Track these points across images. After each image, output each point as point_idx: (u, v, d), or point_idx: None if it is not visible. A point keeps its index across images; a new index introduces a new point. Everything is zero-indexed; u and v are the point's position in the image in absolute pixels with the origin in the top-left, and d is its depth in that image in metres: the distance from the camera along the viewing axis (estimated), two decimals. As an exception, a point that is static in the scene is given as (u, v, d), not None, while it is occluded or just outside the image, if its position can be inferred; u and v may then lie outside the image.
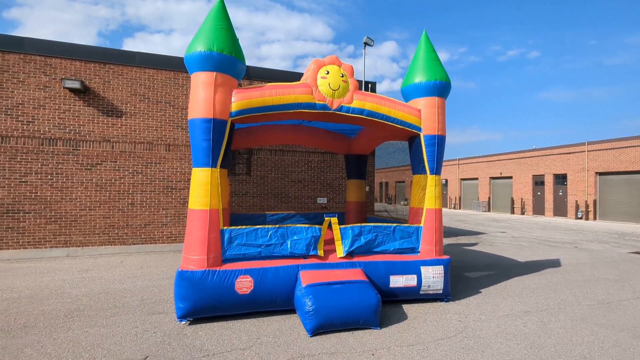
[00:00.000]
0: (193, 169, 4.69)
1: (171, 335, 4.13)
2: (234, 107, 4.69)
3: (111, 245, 9.18)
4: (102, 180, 9.14)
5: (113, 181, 9.23)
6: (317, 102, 5.08)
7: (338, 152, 8.94)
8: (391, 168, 45.09)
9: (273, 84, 4.97)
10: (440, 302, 5.48)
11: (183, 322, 4.48)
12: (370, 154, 11.30)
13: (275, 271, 4.69)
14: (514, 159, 26.73)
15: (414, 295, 5.29)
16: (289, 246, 4.91)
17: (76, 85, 8.73)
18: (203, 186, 4.58)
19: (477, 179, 30.24)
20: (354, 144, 8.35)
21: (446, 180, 34.09)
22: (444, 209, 32.29)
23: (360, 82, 11.32)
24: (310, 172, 10.97)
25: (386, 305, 5.17)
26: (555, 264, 8.60)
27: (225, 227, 4.71)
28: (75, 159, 8.95)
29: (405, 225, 5.51)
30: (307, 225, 5.05)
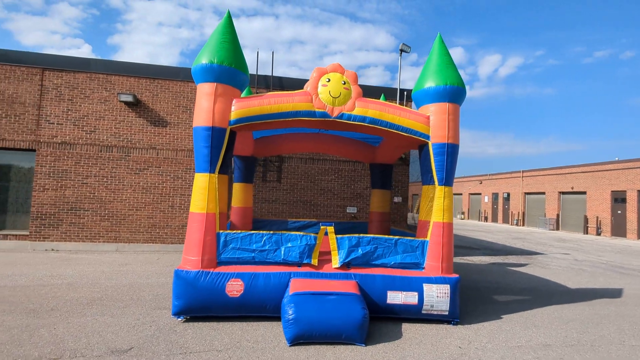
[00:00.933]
0: (195, 174, 4.97)
1: (163, 330, 4.38)
2: (233, 116, 4.90)
3: (153, 243, 10.04)
4: (147, 183, 10.09)
5: (157, 185, 10.14)
6: (316, 110, 5.08)
7: (362, 161, 8.78)
8: (448, 179, 42.95)
9: (273, 92, 5.10)
10: (447, 324, 5.03)
11: (180, 319, 4.73)
12: (405, 163, 10.92)
13: (267, 277, 4.74)
14: (588, 172, 23.63)
15: (415, 315, 4.93)
16: (282, 253, 4.93)
17: (129, 98, 9.81)
18: (202, 191, 4.83)
19: (544, 193, 27.28)
20: (377, 152, 8.14)
21: (508, 194, 31.31)
22: (503, 225, 29.65)
23: (395, 89, 11.04)
24: (340, 181, 10.90)
25: (383, 322, 4.90)
26: (614, 294, 7.39)
27: (221, 231, 4.89)
28: (126, 164, 10.03)
29: (410, 238, 5.20)
30: (302, 233, 5.03)
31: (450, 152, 5.16)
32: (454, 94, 5.16)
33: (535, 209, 28.18)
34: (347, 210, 10.68)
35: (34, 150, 9.77)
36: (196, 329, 4.44)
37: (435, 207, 5.17)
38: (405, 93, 11.10)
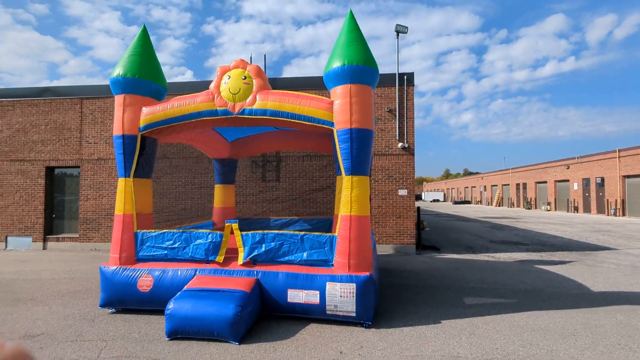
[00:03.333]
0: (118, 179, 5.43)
1: (84, 319, 4.90)
2: (142, 123, 5.23)
3: (171, 243, 11.10)
4: (163, 189, 11.21)
5: (171, 190, 11.19)
6: (218, 108, 5.10)
7: (326, 153, 8.40)
8: (530, 166, 37.40)
9: (178, 97, 5.29)
10: (360, 327, 4.56)
11: (111, 311, 5.22)
12: (409, 153, 10.06)
13: (174, 273, 4.94)
14: None
15: (320, 315, 4.58)
16: (190, 250, 5.07)
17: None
18: (120, 194, 5.27)
19: (650, 174, 22.05)
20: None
21: (602, 179, 26.09)
22: (596, 216, 24.79)
23: (393, 75, 10.24)
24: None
25: (287, 322, 4.67)
26: (648, 300, 5.73)
27: (138, 230, 5.26)
28: (146, 173, 11.30)
29: (317, 234, 4.85)
30: (208, 231, 5.10)
31: (356, 137, 4.66)
32: (357, 73, 4.66)
33: (639, 195, 22.94)
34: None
35: (79, 167, 11.70)
36: (111, 320, 4.85)
37: (343, 198, 4.73)
38: (405, 77, 10.21)
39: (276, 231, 4.92)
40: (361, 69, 4.65)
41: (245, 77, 5.08)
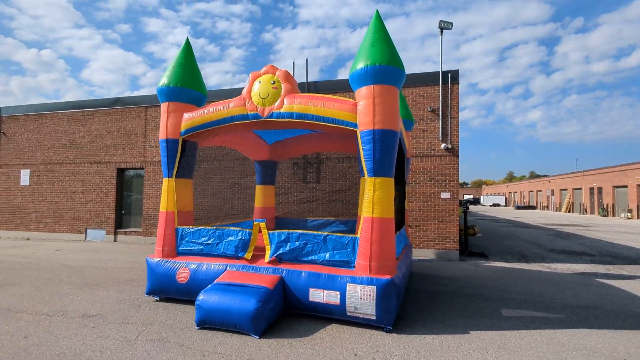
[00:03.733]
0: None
1: (132, 304, 5.48)
2: (183, 127, 5.70)
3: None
4: (214, 189, 12.00)
5: (221, 190, 11.93)
6: (249, 112, 5.38)
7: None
8: (607, 168, 33.16)
9: (214, 103, 5.67)
10: (381, 331, 4.49)
11: (155, 299, 5.76)
12: (453, 154, 9.64)
13: (207, 267, 5.30)
14: None
15: (341, 315, 4.60)
16: (222, 247, 5.40)
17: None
18: (164, 193, 5.79)
19: None
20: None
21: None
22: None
23: (437, 73, 9.85)
24: None
25: (310, 320, 4.77)
26: None
27: (179, 226, 5.73)
28: (196, 173, 12.17)
29: (340, 235, 4.87)
30: (239, 229, 5.38)
31: (379, 138, 4.62)
32: (380, 73, 4.61)
33: None
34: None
35: (143, 168, 13.00)
36: (153, 307, 5.36)
37: (365, 200, 4.71)
38: (450, 75, 9.76)
39: (301, 231, 5.05)
40: (384, 69, 4.59)
41: (274, 82, 5.30)
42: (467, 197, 72.80)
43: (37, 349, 3.90)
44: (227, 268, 5.22)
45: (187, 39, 6.08)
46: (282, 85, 5.28)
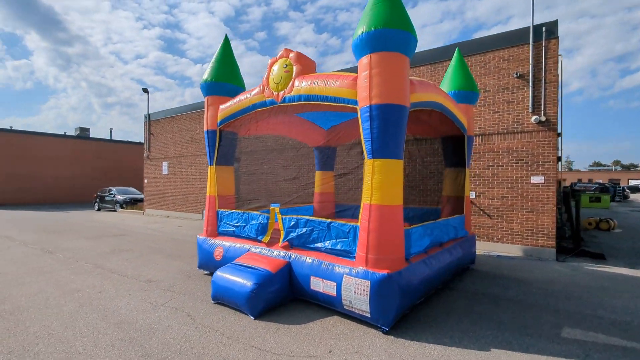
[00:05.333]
0: (209, 166, 6.63)
1: (185, 275, 6.34)
2: (218, 119, 6.18)
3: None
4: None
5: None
6: (266, 99, 5.45)
7: (431, 137, 7.31)
8: None
9: (241, 94, 5.93)
10: (378, 330, 4.03)
11: (205, 272, 6.54)
12: (551, 129, 7.78)
13: (235, 247, 5.70)
14: None
15: (339, 308, 4.31)
16: (247, 230, 5.70)
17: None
18: (209, 179, 6.44)
19: None
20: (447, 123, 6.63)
21: None
22: None
23: (527, 29, 7.87)
24: None
25: (313, 308, 4.65)
26: None
27: (219, 209, 6.30)
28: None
29: (342, 222, 4.51)
30: (260, 213, 5.56)
31: (376, 115, 4.06)
32: (376, 39, 4.01)
33: None
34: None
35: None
36: (197, 279, 6.10)
37: (364, 185, 4.23)
38: (544, 29, 7.65)
39: (308, 217, 4.91)
40: (382, 34, 3.97)
41: (286, 66, 5.21)
42: (633, 182, 56.49)
43: (98, 302, 4.95)
44: (250, 249, 5.51)
45: (226, 35, 6.51)
46: (294, 67, 5.15)
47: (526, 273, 6.56)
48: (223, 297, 4.75)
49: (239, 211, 5.99)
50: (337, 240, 4.55)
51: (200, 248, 6.30)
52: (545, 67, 7.59)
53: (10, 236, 10.93)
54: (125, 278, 6.15)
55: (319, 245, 4.75)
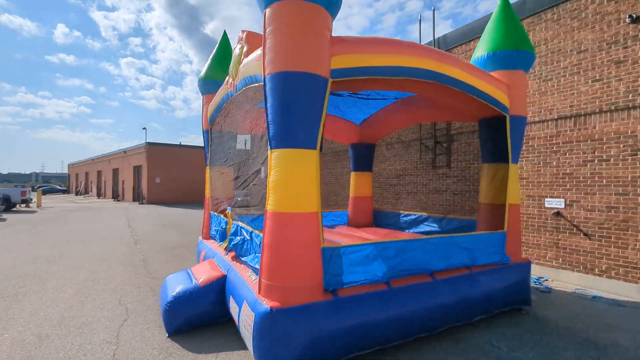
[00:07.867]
0: (211, 167, 6.47)
1: (185, 276, 6.35)
2: (208, 117, 5.96)
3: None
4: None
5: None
6: (230, 90, 4.90)
7: (470, 121, 5.31)
8: None
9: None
10: (270, 384, 2.93)
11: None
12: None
13: (211, 252, 5.21)
14: None
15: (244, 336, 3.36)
16: (217, 235, 5.25)
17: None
18: (206, 181, 6.29)
19: None
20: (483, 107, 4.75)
21: None
22: None
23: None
24: (532, 158, 6.40)
25: (236, 336, 3.81)
26: None
27: (212, 212, 6.05)
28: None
29: (259, 232, 3.53)
30: (222, 217, 5.01)
31: (270, 89, 3.01)
32: (271, -11, 2.97)
33: None
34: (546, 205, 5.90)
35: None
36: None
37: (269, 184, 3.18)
38: None
39: (242, 224, 4.11)
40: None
41: (240, 48, 4.57)
42: None
43: (112, 283, 5.36)
44: (216, 256, 5.04)
45: (225, 32, 6.28)
46: (243, 50, 4.45)
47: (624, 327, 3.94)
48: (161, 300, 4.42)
49: (215, 214, 5.62)
50: (256, 255, 3.62)
51: (197, 249, 6.20)
52: (683, -6, 4.53)
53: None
54: (150, 278, 6.55)
55: (244, 258, 3.91)
